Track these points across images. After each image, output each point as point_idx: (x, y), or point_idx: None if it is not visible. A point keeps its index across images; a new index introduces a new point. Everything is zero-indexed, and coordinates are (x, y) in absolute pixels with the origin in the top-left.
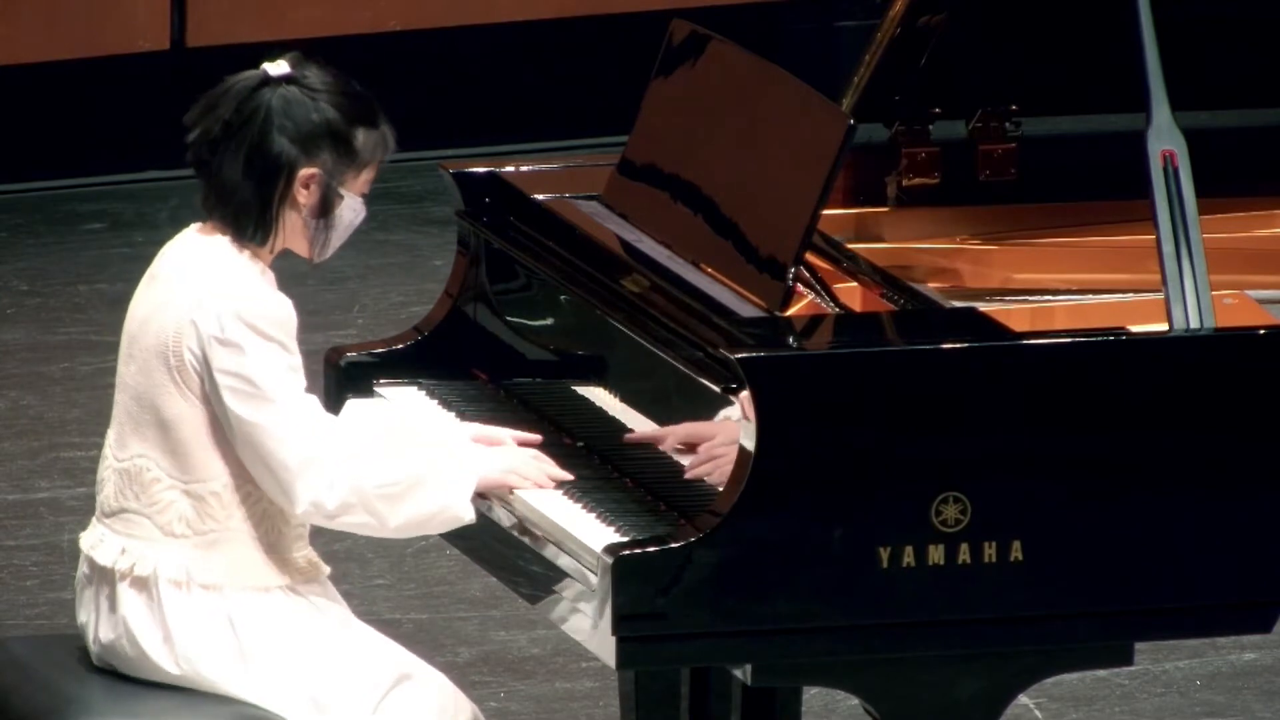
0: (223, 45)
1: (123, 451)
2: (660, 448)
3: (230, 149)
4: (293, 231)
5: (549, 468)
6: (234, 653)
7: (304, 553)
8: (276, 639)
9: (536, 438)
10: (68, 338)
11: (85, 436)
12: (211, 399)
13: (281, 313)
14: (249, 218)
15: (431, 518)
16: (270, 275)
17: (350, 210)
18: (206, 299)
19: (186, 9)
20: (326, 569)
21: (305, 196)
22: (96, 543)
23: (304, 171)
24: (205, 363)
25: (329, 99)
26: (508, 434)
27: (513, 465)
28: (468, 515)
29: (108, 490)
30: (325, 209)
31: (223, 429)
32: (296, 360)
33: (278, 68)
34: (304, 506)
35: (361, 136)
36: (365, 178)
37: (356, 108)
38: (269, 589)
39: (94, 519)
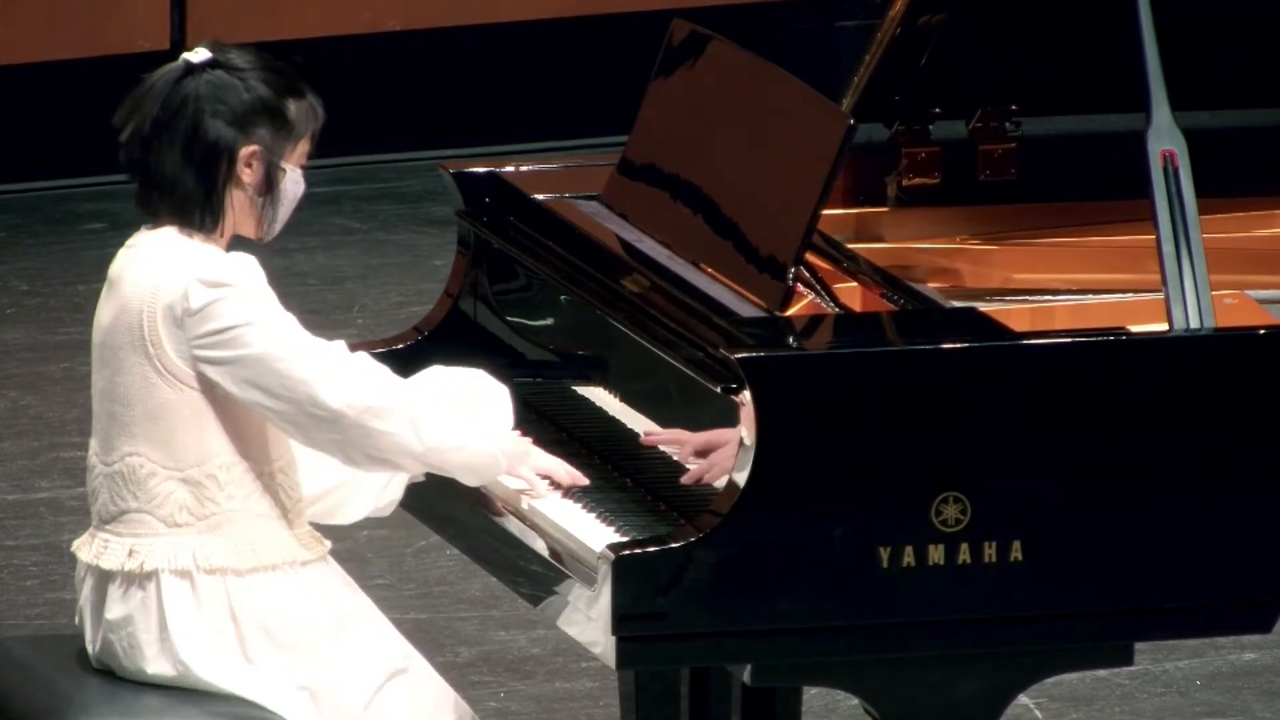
0: None
1: (110, 455)
2: (672, 452)
3: (164, 142)
4: (241, 212)
5: (571, 474)
6: (232, 643)
7: (305, 528)
8: (275, 628)
9: (584, 480)
10: (68, 338)
11: (85, 436)
12: (202, 371)
13: (241, 264)
14: (195, 206)
15: (464, 447)
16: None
17: (292, 183)
18: (169, 280)
19: (186, 9)
20: (327, 544)
21: (249, 175)
22: (101, 551)
23: (244, 150)
24: (184, 341)
25: (256, 75)
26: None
27: (546, 463)
28: (502, 458)
29: (102, 498)
30: (269, 184)
31: (211, 409)
32: (271, 298)
33: (198, 55)
34: (338, 403)
35: (294, 108)
36: (302, 149)
37: (283, 81)
38: (276, 566)
39: (90, 531)
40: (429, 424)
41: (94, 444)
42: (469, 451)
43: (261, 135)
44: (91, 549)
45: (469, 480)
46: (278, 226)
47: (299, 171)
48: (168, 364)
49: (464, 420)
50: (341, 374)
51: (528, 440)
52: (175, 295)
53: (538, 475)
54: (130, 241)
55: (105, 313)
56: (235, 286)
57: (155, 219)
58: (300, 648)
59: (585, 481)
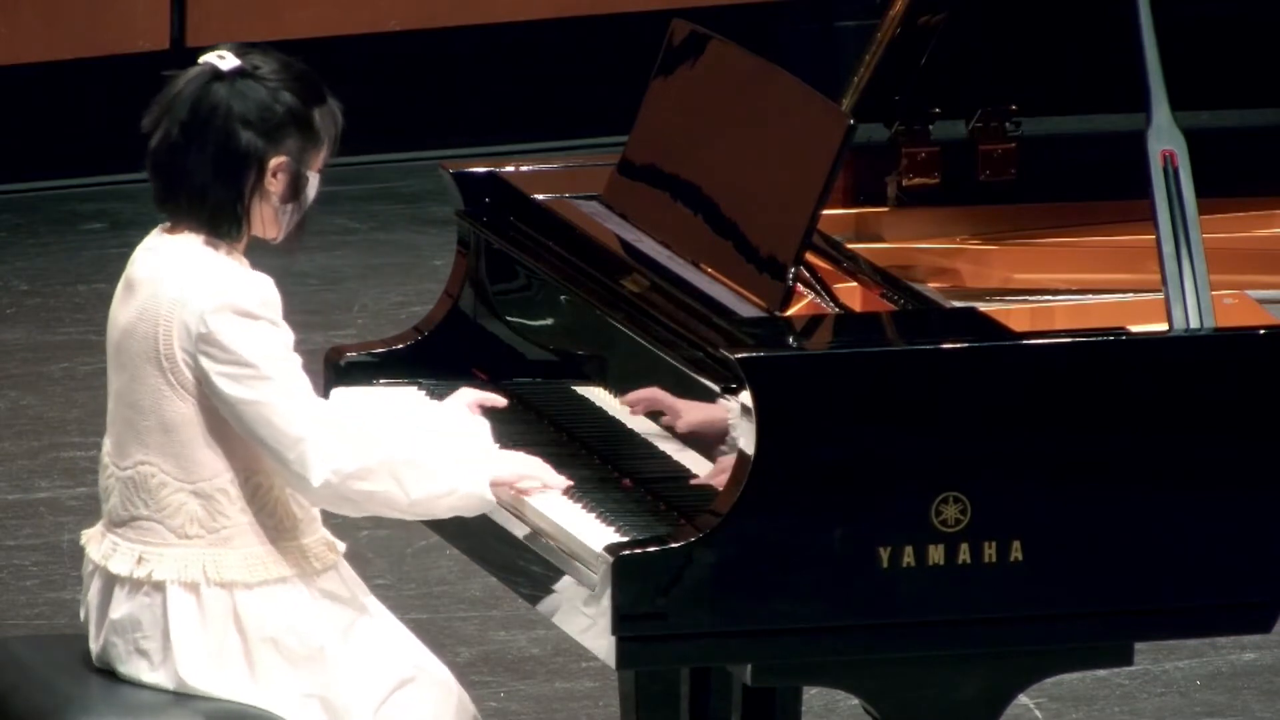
0: None
1: (124, 460)
2: (671, 451)
3: (194, 151)
4: (264, 220)
5: (553, 474)
6: (237, 656)
7: (318, 535)
8: (283, 640)
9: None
10: (68, 338)
11: (85, 436)
12: (210, 395)
13: (264, 290)
14: (223, 216)
15: (451, 492)
16: (245, 262)
17: (313, 188)
18: (190, 299)
19: (186, 9)
20: (342, 546)
21: (275, 185)
22: (109, 552)
23: (273, 161)
24: (197, 362)
25: (285, 85)
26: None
27: (523, 468)
28: (488, 494)
29: (114, 500)
30: (295, 192)
31: (222, 425)
32: (287, 335)
33: (225, 61)
34: (322, 475)
35: (318, 116)
36: (324, 154)
37: (308, 89)
38: (285, 579)
39: (101, 528)
40: (412, 478)
41: (108, 443)
42: (456, 495)
43: (290, 146)
44: (100, 548)
45: (461, 514)
46: (289, 228)
47: (318, 175)
48: (182, 380)
49: (445, 466)
50: (325, 441)
51: (508, 455)
52: (196, 317)
53: (519, 485)
54: (149, 244)
55: (122, 315)
56: (263, 321)
57: (174, 221)
58: (308, 659)
59: (565, 482)
